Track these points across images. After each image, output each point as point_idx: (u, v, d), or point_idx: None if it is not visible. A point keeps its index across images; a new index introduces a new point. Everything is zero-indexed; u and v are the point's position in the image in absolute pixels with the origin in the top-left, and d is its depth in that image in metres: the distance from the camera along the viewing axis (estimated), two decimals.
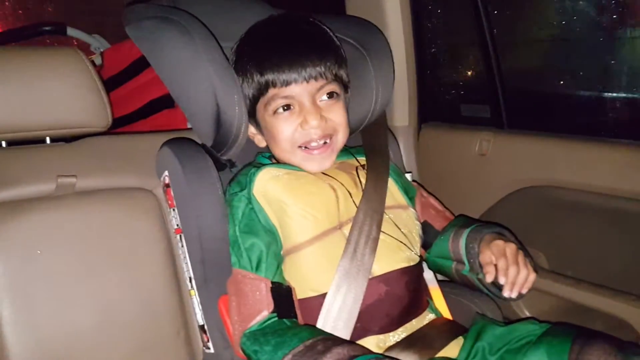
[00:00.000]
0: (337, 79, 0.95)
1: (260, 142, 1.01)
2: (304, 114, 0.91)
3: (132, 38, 1.00)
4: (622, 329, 1.08)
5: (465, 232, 0.96)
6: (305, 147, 0.94)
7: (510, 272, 0.85)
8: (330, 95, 0.94)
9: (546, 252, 1.22)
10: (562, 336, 0.84)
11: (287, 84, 0.90)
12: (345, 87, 0.99)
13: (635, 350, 0.81)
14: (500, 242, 0.89)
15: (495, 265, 0.87)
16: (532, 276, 0.87)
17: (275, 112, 0.93)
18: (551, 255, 1.18)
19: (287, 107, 0.92)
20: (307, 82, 0.91)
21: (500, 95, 1.38)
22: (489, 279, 0.86)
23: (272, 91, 0.92)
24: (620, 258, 1.15)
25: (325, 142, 0.94)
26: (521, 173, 1.27)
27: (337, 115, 0.95)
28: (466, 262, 0.95)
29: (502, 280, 0.85)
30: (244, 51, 0.97)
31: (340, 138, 0.97)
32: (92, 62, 1.03)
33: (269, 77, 0.91)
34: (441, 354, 0.90)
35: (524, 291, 0.86)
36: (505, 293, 0.86)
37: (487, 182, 1.33)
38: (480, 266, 0.91)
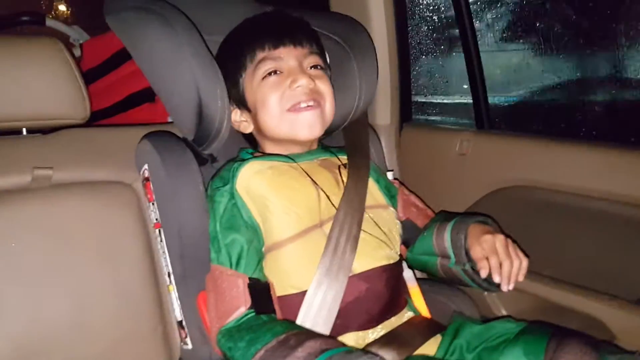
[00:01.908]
0: (321, 57, 0.99)
1: (246, 128, 1.01)
2: (293, 75, 0.93)
3: (113, 29, 0.99)
4: (596, 328, 1.10)
5: (450, 224, 0.97)
6: (294, 109, 0.94)
7: (504, 267, 0.86)
8: (316, 67, 0.97)
9: (524, 251, 1.23)
10: (539, 335, 0.85)
11: (275, 46, 0.94)
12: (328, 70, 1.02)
13: (610, 349, 0.83)
14: (489, 237, 0.90)
15: (487, 260, 0.88)
16: (524, 263, 0.88)
17: (264, 77, 0.94)
18: (529, 254, 1.19)
19: (275, 73, 0.94)
20: (295, 46, 0.94)
21: (480, 95, 1.39)
22: (484, 274, 0.87)
23: (260, 54, 0.94)
24: (596, 258, 1.17)
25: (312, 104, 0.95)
26: (501, 173, 1.28)
27: (324, 84, 0.97)
28: (452, 254, 0.95)
29: (496, 279, 0.86)
30: (234, 38, 1.00)
31: (329, 107, 0.98)
32: (71, 53, 1.01)
33: (259, 41, 0.94)
34: (419, 351, 0.91)
35: (520, 279, 0.87)
36: (504, 287, 0.87)
37: (467, 182, 1.34)
38: (468, 258, 0.93)
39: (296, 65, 0.94)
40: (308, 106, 0.94)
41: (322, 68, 0.99)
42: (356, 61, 1.10)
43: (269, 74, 0.94)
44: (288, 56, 0.94)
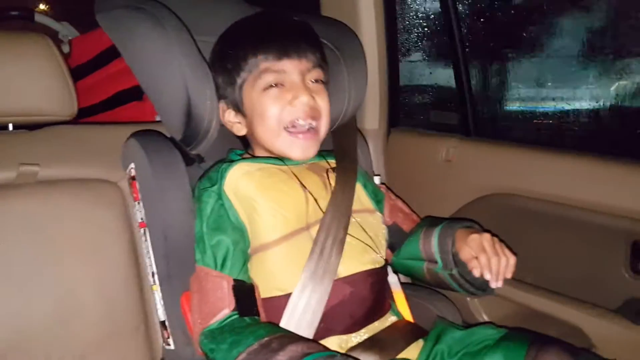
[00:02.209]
0: (323, 69, 0.98)
1: (240, 130, 1.00)
2: (294, 90, 0.92)
3: (103, 27, 0.98)
4: (575, 335, 1.11)
5: (437, 229, 0.98)
6: (292, 128, 0.94)
7: (492, 265, 0.86)
8: (317, 81, 0.96)
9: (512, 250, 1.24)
10: (519, 341, 0.86)
11: (280, 58, 0.92)
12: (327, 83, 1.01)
13: (588, 356, 0.84)
14: (475, 236, 0.90)
15: (477, 259, 0.88)
16: (512, 260, 0.88)
17: (265, 89, 0.93)
18: None
19: (276, 85, 0.93)
20: (299, 60, 0.93)
21: (467, 103, 1.41)
22: (477, 273, 0.88)
23: (264, 65, 0.92)
24: (577, 266, 1.19)
25: (310, 127, 0.94)
26: (486, 180, 1.29)
27: (323, 101, 0.97)
28: (439, 259, 0.96)
29: (487, 276, 0.86)
30: (235, 36, 0.98)
31: (324, 125, 0.97)
32: (60, 50, 1.00)
33: (263, 52, 0.92)
34: (401, 355, 0.91)
35: (508, 276, 0.88)
36: (493, 284, 0.87)
37: (452, 188, 1.35)
38: (455, 262, 0.93)
39: (299, 79, 0.93)
40: (305, 129, 0.94)
41: (323, 82, 0.98)
42: (346, 66, 1.11)
43: (271, 85, 0.93)
44: (292, 69, 0.93)
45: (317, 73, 0.96)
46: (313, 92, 0.94)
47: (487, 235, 0.90)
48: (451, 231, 0.96)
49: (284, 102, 0.92)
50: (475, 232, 0.92)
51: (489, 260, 0.87)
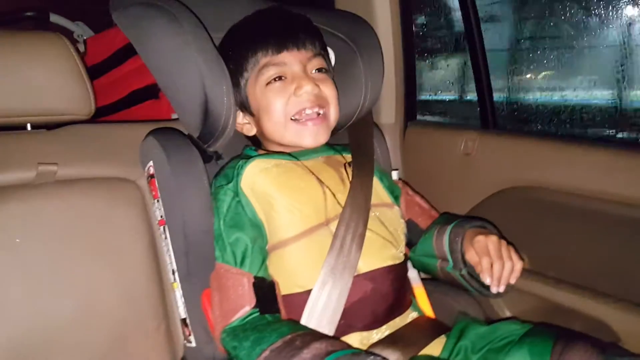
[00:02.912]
0: (325, 58, 0.97)
1: (250, 130, 1.00)
2: (297, 81, 0.92)
3: (119, 25, 0.98)
4: (601, 330, 1.09)
5: (448, 228, 0.97)
6: (299, 117, 0.93)
7: (495, 269, 0.85)
8: (320, 70, 0.96)
9: (528, 252, 1.22)
10: (545, 336, 0.84)
11: (278, 51, 0.92)
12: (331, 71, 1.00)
13: (616, 351, 0.82)
14: (481, 238, 0.89)
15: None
16: (518, 265, 0.87)
17: (267, 84, 0.93)
18: (533, 255, 1.19)
19: (279, 79, 0.92)
20: (298, 50, 0.93)
21: (486, 95, 1.39)
22: (483, 278, 0.86)
23: (263, 60, 0.92)
24: (601, 260, 1.16)
25: (318, 113, 0.94)
26: (505, 173, 1.27)
27: (328, 89, 0.96)
28: (450, 258, 0.95)
29: (487, 281, 0.85)
30: (235, 38, 0.98)
31: (333, 112, 0.97)
32: (76, 49, 1.00)
33: (261, 46, 0.92)
34: (424, 352, 0.90)
35: (512, 281, 0.86)
36: (493, 289, 0.86)
37: (472, 182, 1.33)
38: (464, 263, 0.92)
39: (300, 69, 0.93)
40: (313, 115, 0.93)
41: (326, 70, 0.98)
42: (362, 60, 1.09)
43: (273, 79, 0.93)
44: (292, 61, 0.93)
45: (318, 62, 0.96)
46: (317, 81, 0.94)
47: (493, 238, 0.88)
48: (462, 230, 0.94)
49: (288, 93, 0.92)
50: (483, 234, 0.90)
51: (492, 265, 0.85)
